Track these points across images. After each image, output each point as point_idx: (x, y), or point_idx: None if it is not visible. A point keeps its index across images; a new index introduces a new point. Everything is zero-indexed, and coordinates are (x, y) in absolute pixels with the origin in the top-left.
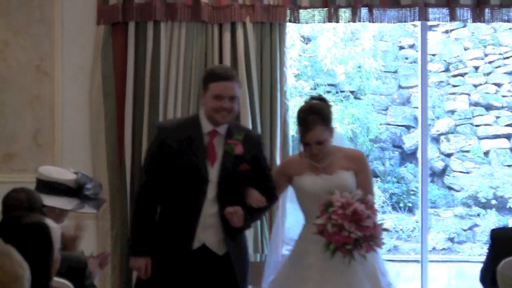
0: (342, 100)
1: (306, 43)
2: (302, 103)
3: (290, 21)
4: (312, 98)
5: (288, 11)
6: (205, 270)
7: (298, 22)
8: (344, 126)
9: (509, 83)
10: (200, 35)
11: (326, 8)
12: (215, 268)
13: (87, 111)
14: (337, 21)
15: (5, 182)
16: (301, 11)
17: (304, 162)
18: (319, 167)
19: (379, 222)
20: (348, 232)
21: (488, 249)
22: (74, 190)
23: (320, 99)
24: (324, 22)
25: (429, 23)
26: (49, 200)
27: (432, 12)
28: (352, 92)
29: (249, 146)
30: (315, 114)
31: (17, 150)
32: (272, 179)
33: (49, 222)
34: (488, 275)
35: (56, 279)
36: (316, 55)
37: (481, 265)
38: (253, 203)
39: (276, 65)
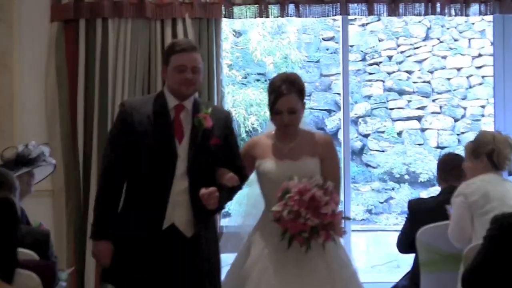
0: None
1: (238, 37)
2: (234, 90)
3: (225, 16)
4: (285, 72)
5: (223, 8)
6: (172, 252)
7: (232, 18)
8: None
9: (419, 70)
10: (144, 30)
11: (257, 5)
12: (183, 250)
13: (43, 101)
14: (267, 16)
15: None
16: (234, 7)
17: (269, 144)
18: (284, 149)
19: (339, 210)
20: (304, 219)
21: (406, 217)
22: (21, 161)
23: (294, 74)
24: (255, 17)
25: (348, 17)
26: None
27: (352, 8)
28: None
29: (218, 121)
30: (290, 83)
31: None
32: (241, 157)
33: (14, 199)
34: (406, 241)
35: (22, 250)
36: (247, 47)
37: (395, 233)
38: (227, 182)
39: (213, 57)
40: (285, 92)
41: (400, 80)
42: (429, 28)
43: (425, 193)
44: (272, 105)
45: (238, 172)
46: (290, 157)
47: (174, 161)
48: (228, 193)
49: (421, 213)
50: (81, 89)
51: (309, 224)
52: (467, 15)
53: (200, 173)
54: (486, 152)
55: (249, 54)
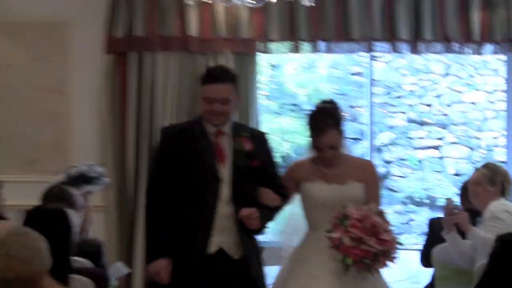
0: (303, 117)
1: (274, 70)
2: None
3: (261, 52)
4: (324, 101)
5: (261, 44)
6: (222, 275)
7: (268, 53)
8: (304, 138)
9: (438, 104)
10: (189, 63)
11: (291, 41)
12: (231, 272)
13: (97, 124)
14: (300, 52)
15: (29, 181)
16: (270, 43)
17: (314, 168)
18: (330, 174)
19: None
20: (367, 246)
21: (426, 234)
22: (82, 179)
23: (331, 102)
24: (289, 53)
25: (374, 54)
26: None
27: (377, 46)
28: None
29: (257, 143)
30: (328, 116)
31: (40, 156)
32: (281, 178)
33: (70, 211)
34: (427, 256)
35: (78, 258)
36: (282, 80)
37: (415, 252)
38: (268, 202)
39: (251, 89)
40: (324, 129)
41: (421, 112)
42: (448, 66)
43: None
44: (312, 141)
45: (279, 191)
46: (337, 182)
47: (218, 185)
48: (270, 212)
49: (439, 231)
50: (131, 114)
51: (372, 250)
52: (481, 54)
53: (245, 196)
54: (502, 181)
55: (284, 86)
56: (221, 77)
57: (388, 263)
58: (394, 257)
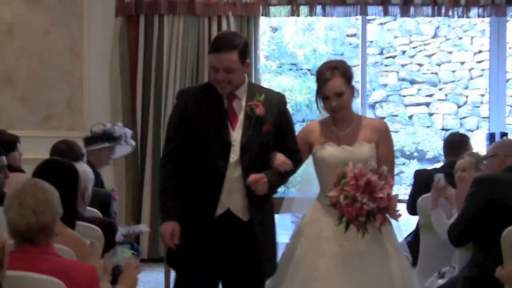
0: (301, 76)
1: (274, 32)
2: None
3: (262, 15)
4: (331, 60)
5: (261, 7)
6: (229, 236)
7: (269, 16)
8: (303, 96)
9: (428, 63)
10: (194, 26)
11: (290, 5)
12: (239, 234)
13: (108, 83)
14: (298, 15)
15: (45, 137)
16: (271, 7)
17: (325, 130)
18: (341, 135)
19: (394, 194)
20: (360, 204)
21: (412, 185)
22: (106, 137)
23: (340, 60)
24: (288, 16)
25: (368, 17)
26: (92, 147)
27: (370, 9)
28: (309, 70)
29: (271, 107)
30: (334, 68)
31: (55, 113)
32: (296, 141)
33: (81, 165)
34: (412, 205)
35: (89, 208)
36: (282, 41)
37: (405, 201)
38: (279, 167)
39: (252, 49)
40: (329, 77)
41: (412, 71)
42: (437, 27)
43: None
44: (319, 93)
45: (292, 156)
46: (347, 143)
47: (228, 149)
48: (281, 177)
49: (424, 182)
50: (140, 74)
51: (365, 208)
52: (468, 17)
53: (253, 160)
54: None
55: (283, 47)
56: (224, 46)
57: (390, 219)
58: (395, 214)
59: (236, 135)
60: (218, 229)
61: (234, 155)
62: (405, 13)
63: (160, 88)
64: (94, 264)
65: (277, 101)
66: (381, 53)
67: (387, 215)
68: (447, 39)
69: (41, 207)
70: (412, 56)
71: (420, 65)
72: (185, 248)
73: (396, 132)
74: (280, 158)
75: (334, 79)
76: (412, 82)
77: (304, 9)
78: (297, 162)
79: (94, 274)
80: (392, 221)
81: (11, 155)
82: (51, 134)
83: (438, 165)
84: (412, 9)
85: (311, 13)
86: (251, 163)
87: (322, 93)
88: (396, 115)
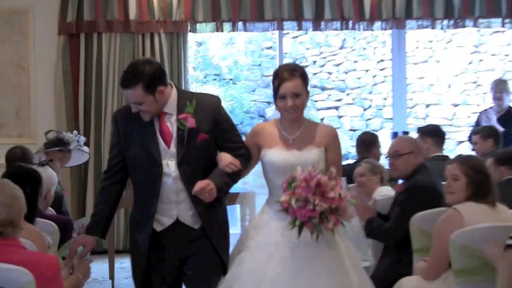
0: (224, 85)
1: (199, 46)
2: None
3: (190, 31)
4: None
5: (189, 25)
6: (185, 244)
7: (196, 32)
8: (226, 103)
9: (337, 71)
10: (129, 42)
11: (214, 22)
12: (193, 241)
13: (53, 95)
14: (222, 31)
15: None
16: (197, 24)
17: (275, 133)
18: (290, 139)
19: (345, 195)
20: (313, 205)
21: None
22: (58, 142)
23: (296, 64)
24: (213, 31)
25: (283, 31)
26: (44, 150)
27: (286, 24)
28: (231, 79)
29: (204, 113)
30: (293, 69)
31: (5, 122)
32: (241, 139)
33: (47, 170)
34: None
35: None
36: (207, 54)
37: None
38: (226, 167)
39: (181, 62)
40: (288, 77)
41: (322, 79)
42: (344, 40)
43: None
44: (276, 91)
45: (238, 153)
46: (296, 147)
47: (159, 169)
48: (230, 177)
49: None
50: (81, 86)
51: (318, 209)
52: (371, 30)
53: (194, 171)
54: (380, 172)
55: (208, 59)
56: (127, 82)
57: (342, 221)
58: (346, 215)
59: (171, 151)
60: (167, 239)
61: (174, 170)
62: (316, 27)
63: (100, 98)
64: (55, 255)
65: (209, 105)
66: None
67: (339, 216)
68: (352, 50)
69: (9, 203)
70: (322, 66)
71: (329, 73)
72: (139, 259)
73: None
74: (226, 159)
75: (293, 79)
76: (323, 89)
77: (227, 25)
78: (245, 158)
79: (57, 263)
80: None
81: None
82: (2, 141)
83: (348, 162)
84: (322, 23)
85: (233, 28)
86: (192, 175)
87: (279, 92)
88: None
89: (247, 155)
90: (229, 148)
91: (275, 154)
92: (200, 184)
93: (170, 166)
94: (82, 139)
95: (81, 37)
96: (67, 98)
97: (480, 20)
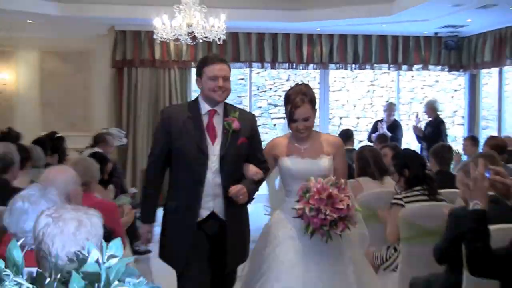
0: None
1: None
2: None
3: (193, 67)
4: (298, 84)
5: (192, 63)
6: (212, 232)
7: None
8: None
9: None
10: (154, 74)
11: None
12: (217, 230)
13: (106, 106)
14: None
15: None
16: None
17: (289, 145)
18: (303, 149)
19: (352, 204)
20: (324, 215)
21: None
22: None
23: (305, 84)
24: None
25: (252, 68)
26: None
27: (254, 64)
28: None
29: (245, 123)
30: (303, 94)
31: (76, 122)
32: (264, 154)
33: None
34: None
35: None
36: None
37: None
38: (254, 176)
39: (187, 88)
40: (300, 104)
41: (275, 99)
42: (289, 75)
43: None
44: (289, 115)
45: (261, 165)
46: (309, 156)
47: (206, 160)
48: (256, 184)
49: None
50: (124, 100)
51: (329, 218)
52: (307, 69)
53: (231, 168)
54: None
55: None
56: (220, 58)
57: (349, 226)
58: (353, 221)
59: (215, 147)
60: (204, 229)
61: (215, 165)
62: (272, 66)
63: (135, 108)
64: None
65: (249, 119)
66: (257, 89)
67: (347, 222)
68: (294, 81)
69: (85, 166)
70: (275, 91)
71: (280, 95)
72: (175, 246)
73: (266, 133)
74: (253, 169)
75: (303, 106)
76: (275, 105)
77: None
78: (266, 170)
79: (115, 205)
80: None
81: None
82: (74, 134)
83: None
84: (276, 64)
85: None
86: (230, 171)
87: (291, 117)
88: (266, 124)
89: (267, 169)
90: (257, 160)
91: (292, 161)
92: (235, 188)
93: (212, 160)
94: (123, 133)
95: (124, 69)
96: (115, 107)
97: (375, 65)
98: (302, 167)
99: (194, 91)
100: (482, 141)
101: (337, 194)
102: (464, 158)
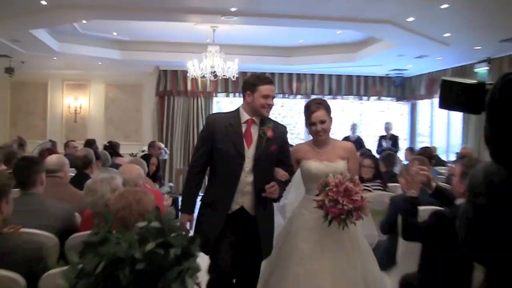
0: None
1: (218, 104)
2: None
3: (215, 96)
4: (314, 98)
5: (214, 93)
6: (240, 226)
7: (217, 97)
8: None
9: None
10: (186, 101)
11: (225, 93)
12: (246, 225)
13: (151, 124)
14: (228, 97)
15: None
16: (218, 93)
17: (310, 150)
18: (321, 153)
19: (364, 196)
20: (342, 205)
21: None
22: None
23: (321, 98)
24: (226, 97)
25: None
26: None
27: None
28: None
29: (277, 133)
30: (318, 103)
31: (130, 135)
32: (290, 160)
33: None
34: None
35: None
36: (221, 107)
37: None
38: (282, 178)
39: (210, 111)
40: (315, 109)
41: None
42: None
43: None
44: (307, 119)
45: (288, 169)
46: (327, 159)
47: (242, 161)
48: (283, 184)
49: None
50: (165, 121)
51: (346, 208)
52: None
53: (263, 170)
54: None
55: (220, 109)
56: (271, 80)
57: (362, 216)
58: (366, 212)
59: (250, 151)
60: (232, 220)
61: (248, 165)
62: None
63: (172, 127)
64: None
65: (281, 130)
66: None
67: (360, 212)
68: (286, 107)
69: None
70: (272, 113)
71: (276, 116)
72: (208, 233)
73: None
74: (280, 172)
75: (319, 110)
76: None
77: (230, 95)
78: (291, 174)
79: (159, 192)
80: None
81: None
82: (129, 143)
83: None
84: (237, 94)
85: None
86: (261, 172)
87: (310, 121)
88: None
89: (293, 173)
90: (285, 165)
91: (312, 164)
92: (271, 185)
93: (246, 162)
94: (166, 150)
95: (165, 97)
96: (158, 124)
97: (344, 96)
98: (320, 168)
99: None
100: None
101: (352, 187)
102: (405, 162)
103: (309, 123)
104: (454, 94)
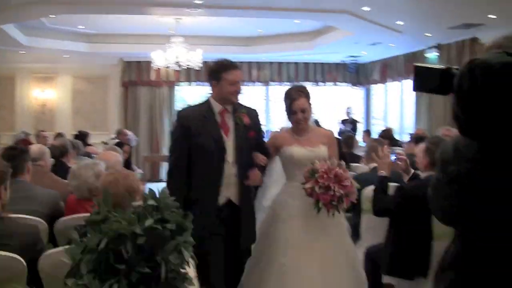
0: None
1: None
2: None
3: (176, 85)
4: (295, 85)
5: (175, 83)
6: (227, 216)
7: (179, 86)
8: None
9: None
10: (150, 91)
11: (188, 82)
12: (231, 214)
13: (117, 112)
14: (190, 85)
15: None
16: (180, 83)
17: (289, 136)
18: (301, 139)
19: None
20: (333, 191)
21: None
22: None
23: (301, 86)
24: (186, 86)
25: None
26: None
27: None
28: None
29: (252, 118)
30: (299, 90)
31: (98, 126)
32: (265, 143)
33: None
34: None
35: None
36: (183, 96)
37: None
38: (261, 162)
39: (172, 100)
40: (296, 97)
41: None
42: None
43: None
44: (288, 107)
45: (265, 151)
46: (309, 145)
47: (223, 153)
48: (263, 169)
49: None
50: (130, 109)
51: (337, 194)
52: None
53: (245, 159)
54: None
55: (183, 98)
56: (237, 64)
57: (351, 201)
58: (354, 197)
59: (229, 141)
60: (221, 212)
61: (230, 157)
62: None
63: (138, 115)
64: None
65: (254, 114)
66: None
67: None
68: (245, 94)
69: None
70: None
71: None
72: (198, 232)
73: None
74: (260, 156)
75: (300, 98)
76: None
77: (193, 84)
78: (269, 157)
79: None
80: None
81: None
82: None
83: None
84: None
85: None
86: (244, 161)
87: (291, 109)
88: None
89: (270, 155)
90: (262, 148)
91: (295, 150)
92: (253, 173)
93: (228, 154)
94: (136, 137)
95: (129, 87)
96: (124, 115)
97: (301, 82)
98: (303, 153)
99: (176, 101)
100: (373, 132)
101: (342, 173)
102: (362, 144)
103: (290, 112)
104: (427, 79)
